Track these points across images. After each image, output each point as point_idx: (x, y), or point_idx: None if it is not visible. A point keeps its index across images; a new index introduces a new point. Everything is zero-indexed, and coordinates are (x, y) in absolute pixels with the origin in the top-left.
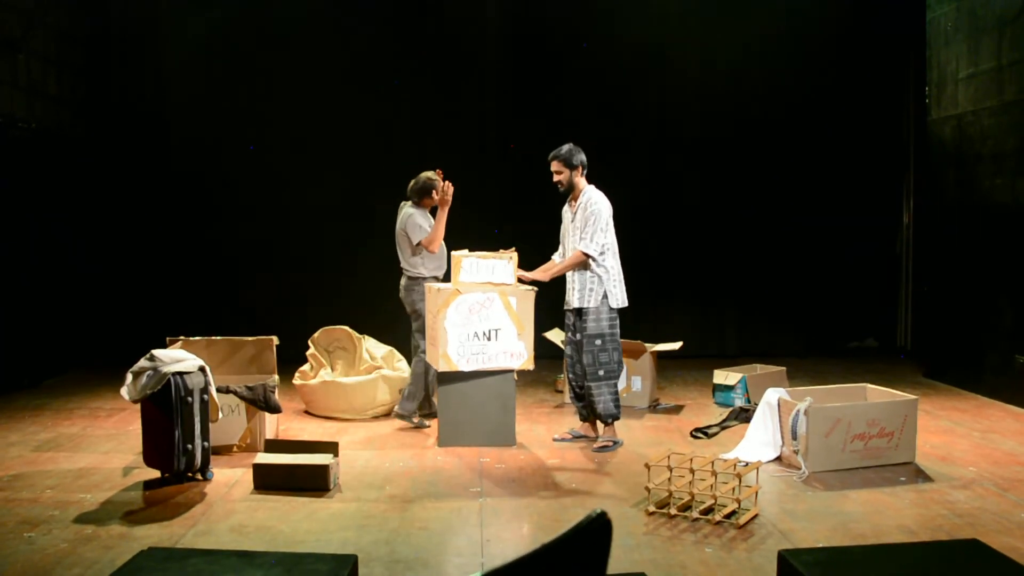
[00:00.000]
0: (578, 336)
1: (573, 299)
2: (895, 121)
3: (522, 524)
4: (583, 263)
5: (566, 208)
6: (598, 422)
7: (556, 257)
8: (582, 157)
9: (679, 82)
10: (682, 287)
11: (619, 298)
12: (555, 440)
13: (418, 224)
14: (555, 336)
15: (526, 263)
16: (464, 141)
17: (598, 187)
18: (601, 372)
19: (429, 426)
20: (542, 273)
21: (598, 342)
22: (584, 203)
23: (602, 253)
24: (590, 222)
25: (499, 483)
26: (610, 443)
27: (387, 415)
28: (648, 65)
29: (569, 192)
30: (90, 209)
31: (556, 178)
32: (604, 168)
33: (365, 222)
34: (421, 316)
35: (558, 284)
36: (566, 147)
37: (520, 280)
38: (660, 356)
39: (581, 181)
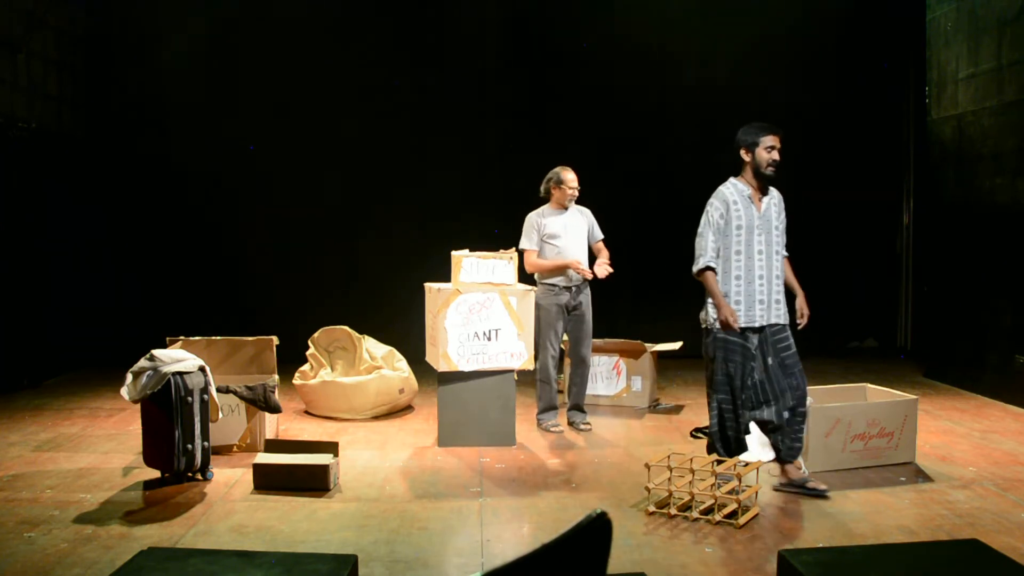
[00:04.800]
0: (771, 359)
1: (780, 314)
2: (895, 121)
3: (522, 524)
4: None
5: (748, 202)
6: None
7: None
8: None
9: (679, 82)
10: (682, 287)
11: None
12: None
13: (527, 227)
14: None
15: None
16: (463, 141)
17: (599, 187)
18: None
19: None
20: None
21: None
22: (780, 200)
23: None
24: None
25: (499, 483)
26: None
27: (387, 415)
28: (648, 66)
29: (765, 180)
30: (90, 209)
31: (778, 157)
32: (604, 168)
33: (365, 222)
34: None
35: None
36: None
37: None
38: (660, 356)
39: None
